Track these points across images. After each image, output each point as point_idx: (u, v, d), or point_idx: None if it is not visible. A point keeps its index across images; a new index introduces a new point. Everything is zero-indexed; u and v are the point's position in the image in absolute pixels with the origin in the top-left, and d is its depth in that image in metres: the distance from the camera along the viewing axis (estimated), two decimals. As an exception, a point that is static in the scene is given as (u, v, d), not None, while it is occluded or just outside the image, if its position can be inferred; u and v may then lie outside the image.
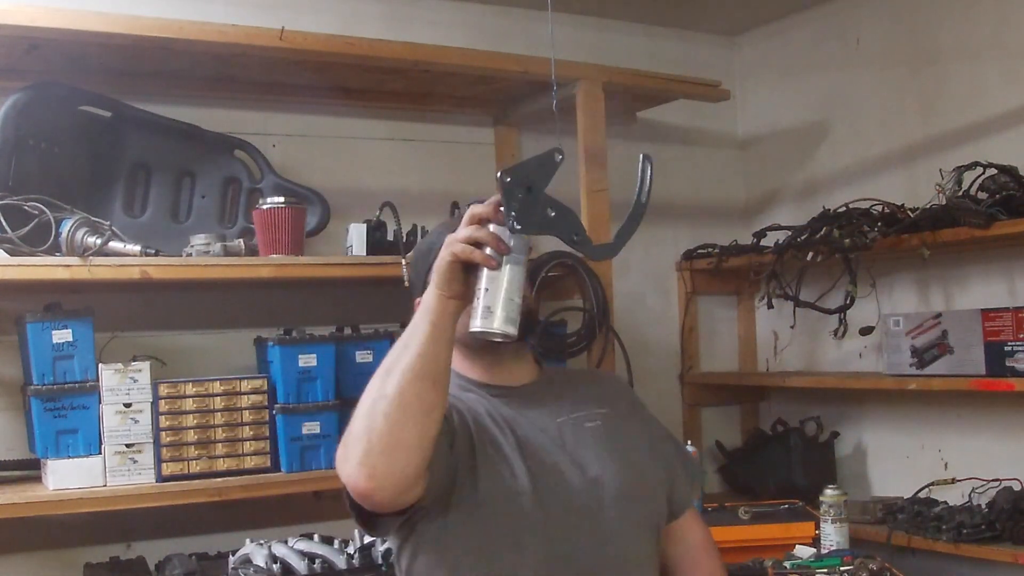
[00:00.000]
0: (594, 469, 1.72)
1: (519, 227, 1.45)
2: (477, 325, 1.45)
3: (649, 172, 1.56)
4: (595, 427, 1.77)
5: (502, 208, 1.46)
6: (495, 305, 1.44)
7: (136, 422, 2.31)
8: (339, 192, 2.81)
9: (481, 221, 1.46)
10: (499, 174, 1.45)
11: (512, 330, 1.45)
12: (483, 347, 1.73)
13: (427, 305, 1.47)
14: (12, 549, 2.43)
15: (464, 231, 1.45)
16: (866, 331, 2.94)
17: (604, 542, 1.68)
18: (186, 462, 2.34)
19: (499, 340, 1.47)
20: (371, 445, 1.41)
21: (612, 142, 2.88)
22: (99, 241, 2.22)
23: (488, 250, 1.44)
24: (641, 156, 1.56)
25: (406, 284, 2.51)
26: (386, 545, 2.43)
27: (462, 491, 1.63)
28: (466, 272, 1.47)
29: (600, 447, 1.75)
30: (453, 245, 1.45)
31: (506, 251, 1.45)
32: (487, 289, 1.45)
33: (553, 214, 1.48)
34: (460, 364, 1.81)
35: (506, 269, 1.45)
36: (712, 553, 1.91)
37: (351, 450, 1.43)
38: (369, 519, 1.58)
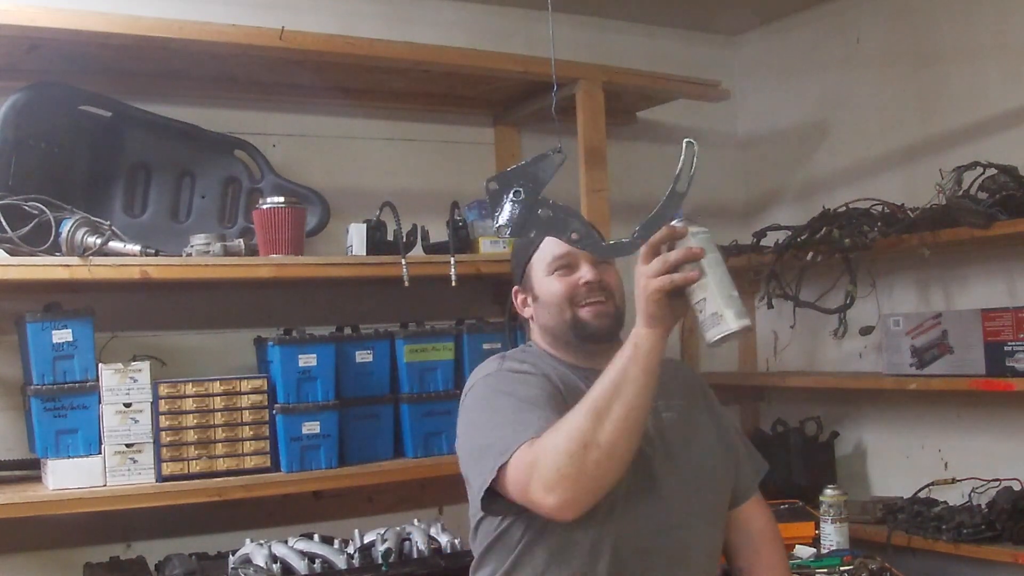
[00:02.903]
0: (673, 456, 1.77)
1: (508, 233, 1.47)
2: (714, 335, 1.48)
3: (692, 160, 1.51)
4: (671, 417, 1.81)
5: (677, 222, 1.50)
6: (721, 308, 1.48)
7: (136, 422, 2.31)
8: (339, 192, 2.81)
9: (659, 249, 1.51)
10: (486, 181, 1.47)
11: (747, 320, 1.49)
12: (579, 340, 1.80)
13: (640, 348, 1.53)
14: (12, 549, 2.43)
15: (652, 266, 1.50)
16: (866, 331, 2.94)
17: (667, 528, 1.72)
18: (186, 462, 2.34)
19: (738, 336, 1.50)
20: (578, 484, 1.51)
21: (612, 142, 2.88)
22: (99, 241, 2.22)
23: (686, 267, 1.49)
24: (684, 142, 1.51)
25: (406, 283, 2.52)
26: (386, 545, 2.43)
27: None
28: (671, 301, 1.52)
29: (674, 436, 1.79)
30: (651, 282, 1.50)
31: (701, 256, 1.48)
32: (704, 299, 1.49)
33: (549, 215, 1.48)
34: (554, 348, 1.86)
35: (709, 273, 1.48)
36: (774, 542, 1.93)
37: (549, 475, 1.51)
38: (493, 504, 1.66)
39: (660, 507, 1.73)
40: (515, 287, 1.92)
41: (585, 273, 1.79)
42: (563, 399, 1.72)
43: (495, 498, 1.64)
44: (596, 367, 1.80)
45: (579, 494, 1.53)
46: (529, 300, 1.88)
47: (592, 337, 1.80)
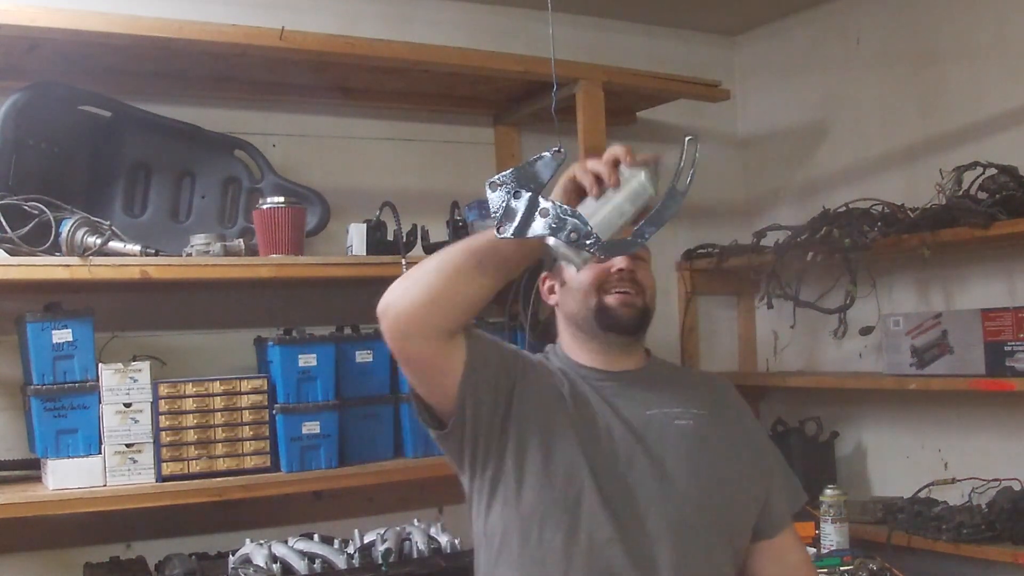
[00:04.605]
0: (669, 467, 1.67)
1: (509, 234, 1.46)
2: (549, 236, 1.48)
3: (694, 157, 1.48)
4: (684, 426, 1.72)
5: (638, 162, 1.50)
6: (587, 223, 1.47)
7: (136, 422, 2.31)
8: (339, 192, 2.81)
9: (613, 160, 1.50)
10: (487, 182, 1.47)
11: (571, 255, 1.46)
12: (603, 329, 1.75)
13: None
14: (12, 549, 2.43)
15: (595, 161, 1.50)
16: (866, 331, 2.94)
17: (659, 540, 1.63)
18: (186, 462, 2.34)
19: (562, 262, 1.50)
20: (397, 284, 1.60)
21: (612, 142, 2.86)
22: (99, 241, 2.22)
23: (601, 182, 1.48)
24: (686, 139, 1.48)
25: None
26: (386, 545, 2.43)
27: (530, 457, 1.64)
28: (580, 195, 1.51)
29: (684, 447, 1.70)
30: (579, 165, 1.51)
31: (612, 185, 1.48)
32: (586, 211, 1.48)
33: (549, 215, 1.48)
34: (569, 345, 1.82)
35: (599, 203, 1.48)
36: (812, 574, 1.85)
37: (393, 286, 1.61)
38: (428, 412, 1.69)
39: (649, 514, 1.63)
40: (543, 273, 1.86)
41: (619, 261, 1.74)
42: (561, 398, 1.69)
43: (424, 408, 1.70)
44: (611, 368, 1.77)
45: (398, 292, 1.58)
46: (556, 287, 1.82)
47: (615, 327, 1.74)
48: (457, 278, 1.55)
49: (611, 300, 1.74)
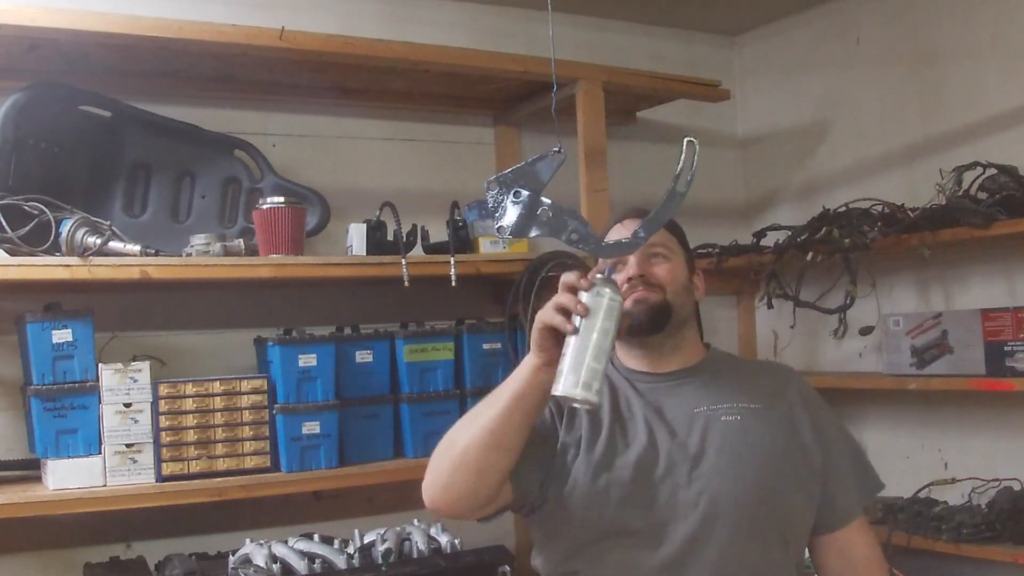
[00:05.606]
0: (709, 466, 1.66)
1: (508, 233, 1.46)
2: (555, 390, 1.47)
3: (693, 159, 1.49)
4: (731, 421, 1.70)
5: (602, 275, 1.51)
6: (566, 369, 1.45)
7: (136, 422, 2.31)
8: (339, 192, 2.81)
9: (570, 288, 1.50)
10: (486, 181, 1.47)
11: (585, 394, 1.44)
12: (627, 334, 1.75)
13: (519, 370, 1.54)
14: (12, 549, 2.43)
15: (554, 298, 1.50)
16: (866, 331, 2.94)
17: (696, 541, 1.62)
18: (186, 462, 2.34)
19: (568, 403, 1.48)
20: (433, 479, 1.62)
21: (612, 142, 2.88)
22: (99, 241, 2.22)
23: (570, 315, 1.48)
24: (685, 141, 1.49)
25: (406, 283, 2.52)
26: (386, 545, 2.43)
27: (567, 487, 1.68)
28: (549, 337, 1.50)
29: (727, 443, 1.68)
30: (541, 312, 1.51)
31: (583, 314, 1.46)
32: (565, 355, 1.47)
33: (549, 215, 1.48)
34: (620, 351, 1.83)
35: (581, 333, 1.46)
36: (878, 570, 1.81)
37: (426, 472, 1.65)
38: None
39: (687, 516, 1.63)
40: None
41: (629, 268, 1.74)
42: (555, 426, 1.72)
43: None
44: (660, 370, 1.78)
45: (434, 490, 1.61)
46: None
47: (632, 329, 1.73)
48: (480, 466, 1.57)
49: (627, 304, 1.73)
